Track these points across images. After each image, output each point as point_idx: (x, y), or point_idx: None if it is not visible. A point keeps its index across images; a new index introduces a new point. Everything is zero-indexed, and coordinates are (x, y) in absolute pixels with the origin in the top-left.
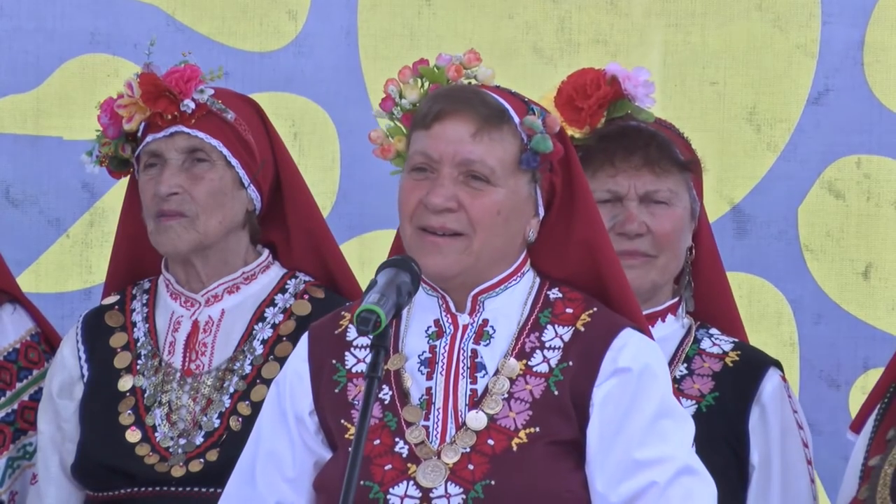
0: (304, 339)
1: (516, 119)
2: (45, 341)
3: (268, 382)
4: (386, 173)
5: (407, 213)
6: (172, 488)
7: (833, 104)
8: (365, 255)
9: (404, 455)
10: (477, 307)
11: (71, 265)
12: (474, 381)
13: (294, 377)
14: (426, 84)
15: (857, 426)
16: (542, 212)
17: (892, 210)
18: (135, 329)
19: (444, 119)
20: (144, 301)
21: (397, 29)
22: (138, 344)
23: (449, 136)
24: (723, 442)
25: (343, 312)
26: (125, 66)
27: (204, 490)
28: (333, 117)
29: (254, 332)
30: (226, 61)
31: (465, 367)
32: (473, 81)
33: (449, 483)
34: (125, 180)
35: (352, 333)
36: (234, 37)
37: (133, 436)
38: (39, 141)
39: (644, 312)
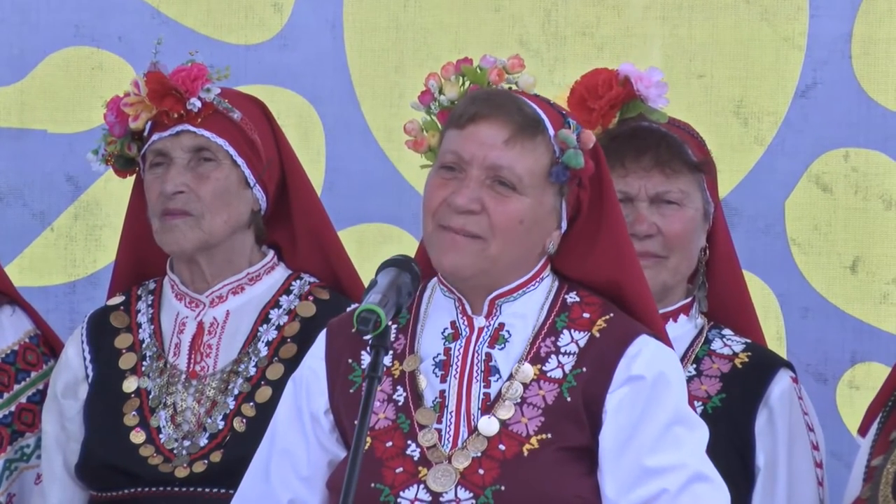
0: (322, 336)
1: (551, 131)
2: (43, 343)
3: (272, 384)
4: (372, 167)
5: (431, 209)
6: (176, 488)
7: (821, 97)
8: (350, 249)
9: (415, 458)
10: (494, 311)
11: (55, 259)
12: (487, 385)
13: (310, 375)
14: (467, 83)
15: (863, 430)
16: (564, 225)
17: (880, 204)
18: (140, 330)
19: (479, 122)
20: (150, 302)
21: (383, 22)
22: (143, 345)
23: (481, 139)
24: (727, 444)
25: None
26: (110, 59)
27: (208, 490)
28: (319, 110)
29: (258, 333)
30: (211, 54)
31: (478, 371)
32: (514, 87)
33: (459, 488)
34: (110, 174)
35: None
36: (220, 29)
37: (137, 437)
38: (24, 134)
39: None
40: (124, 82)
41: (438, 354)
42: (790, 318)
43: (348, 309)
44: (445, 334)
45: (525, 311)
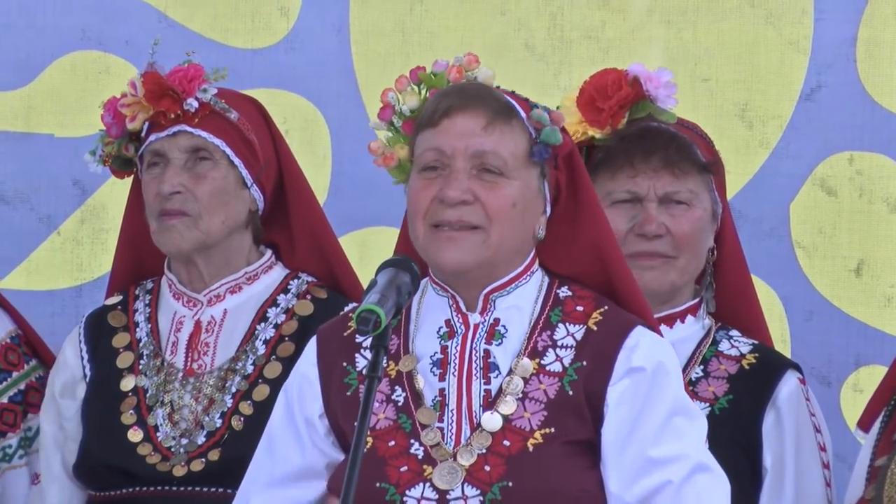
0: (312, 342)
1: (523, 114)
2: (24, 343)
3: (270, 382)
4: (377, 171)
5: (420, 211)
6: (174, 488)
7: (825, 101)
8: (356, 253)
9: (420, 457)
10: (488, 306)
11: (62, 263)
12: (488, 382)
13: (303, 381)
14: (425, 90)
15: (865, 424)
16: (549, 209)
17: (885, 207)
18: (137, 329)
19: (454, 114)
20: (147, 301)
21: (389, 25)
22: (141, 344)
23: (460, 130)
24: (735, 445)
25: (350, 314)
26: (117, 63)
27: (206, 490)
28: (325, 114)
29: (256, 332)
30: (217, 58)
31: (478, 368)
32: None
33: (466, 485)
34: (116, 178)
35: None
36: (226, 33)
37: (135, 435)
38: (30, 138)
39: (663, 313)
40: None
41: (436, 353)
42: (794, 321)
43: (346, 308)
44: (441, 333)
45: (520, 305)
